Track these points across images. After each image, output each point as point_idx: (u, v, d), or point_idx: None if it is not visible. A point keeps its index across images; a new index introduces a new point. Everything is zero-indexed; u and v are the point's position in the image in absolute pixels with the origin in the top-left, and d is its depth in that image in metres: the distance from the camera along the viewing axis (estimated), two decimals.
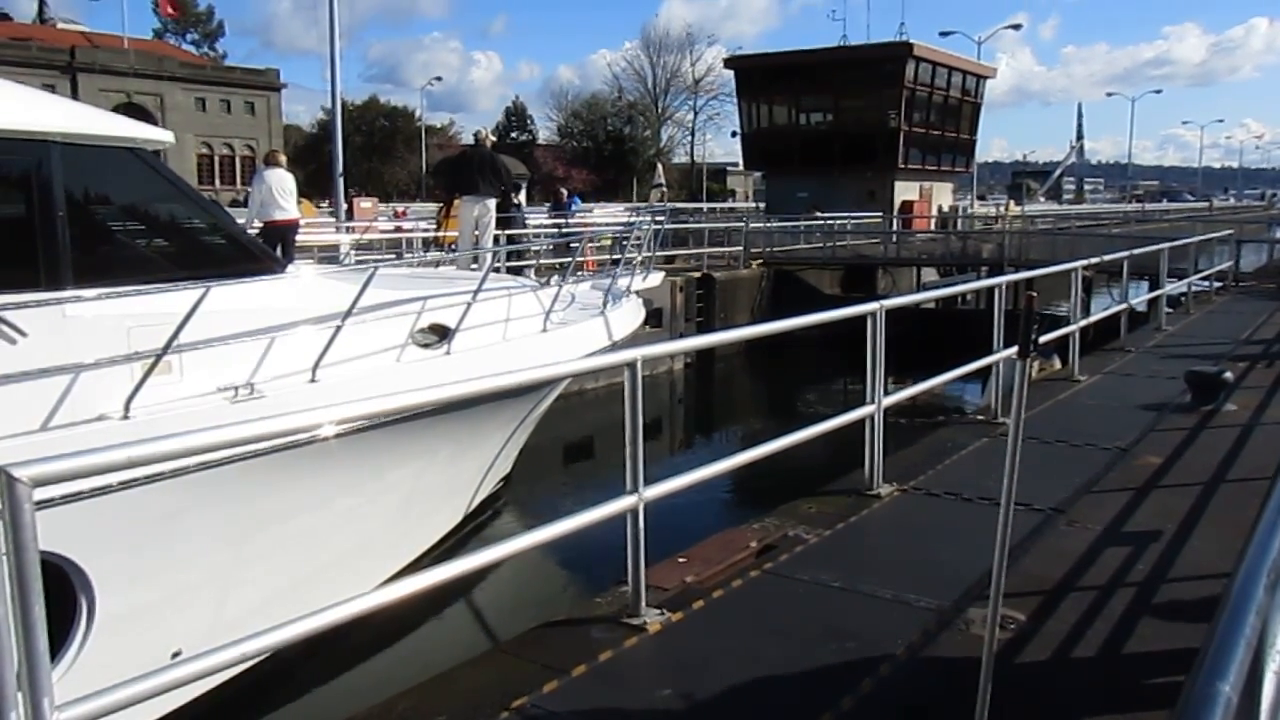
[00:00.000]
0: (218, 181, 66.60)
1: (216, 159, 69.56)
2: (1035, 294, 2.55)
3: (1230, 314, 15.81)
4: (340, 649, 6.29)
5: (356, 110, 75.07)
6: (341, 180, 20.89)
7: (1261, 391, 9.02)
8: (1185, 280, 16.47)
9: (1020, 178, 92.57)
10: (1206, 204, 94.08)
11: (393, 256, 19.07)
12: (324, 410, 3.12)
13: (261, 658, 2.86)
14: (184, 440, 2.58)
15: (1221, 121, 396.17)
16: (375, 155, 77.73)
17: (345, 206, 21.82)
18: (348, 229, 20.24)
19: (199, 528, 5.84)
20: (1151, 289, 15.97)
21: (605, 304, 9.88)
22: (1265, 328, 13.90)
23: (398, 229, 22.18)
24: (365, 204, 28.51)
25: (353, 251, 16.41)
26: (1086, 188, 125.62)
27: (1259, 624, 1.31)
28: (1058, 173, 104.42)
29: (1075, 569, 4.69)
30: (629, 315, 10.57)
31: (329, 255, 17.29)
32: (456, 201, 13.17)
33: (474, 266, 12.01)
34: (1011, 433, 2.45)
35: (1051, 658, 3.75)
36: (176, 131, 10.37)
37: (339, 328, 6.39)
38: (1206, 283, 18.40)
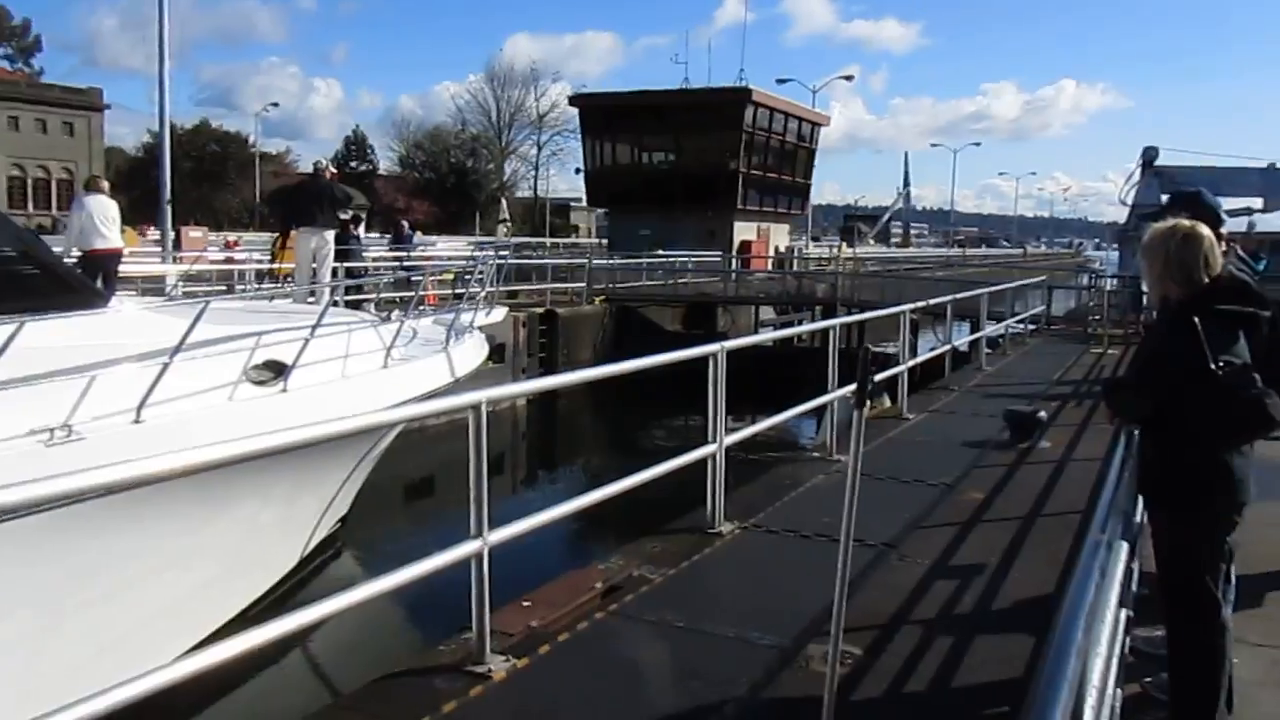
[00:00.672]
0: (30, 205, 62.82)
1: (30, 181, 65.58)
2: (870, 347, 2.65)
3: (1043, 355, 16.85)
4: (168, 707, 5.94)
5: (186, 134, 71.98)
6: (169, 208, 19.98)
7: (1072, 429, 9.62)
8: (1003, 323, 17.47)
9: (852, 221, 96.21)
10: (1021, 250, 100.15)
11: (224, 289, 18.37)
12: (142, 463, 2.94)
13: None
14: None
15: (1034, 174, 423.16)
16: (206, 182, 74.64)
17: (173, 235, 20.85)
18: (175, 259, 19.36)
19: (8, 581, 5.43)
20: (973, 330, 16.86)
21: (448, 340, 9.75)
22: (1075, 369, 14.86)
23: (229, 260, 21.34)
24: (194, 233, 27.29)
25: (180, 283, 15.69)
26: (913, 232, 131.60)
27: (1079, 666, 1.39)
28: (886, 217, 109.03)
29: (907, 603, 4.87)
30: (472, 351, 10.46)
31: (154, 287, 16.47)
32: (293, 233, 12.81)
33: (311, 300, 11.68)
34: (850, 477, 2.54)
35: (887, 692, 3.88)
36: None
37: (166, 364, 6.08)
38: (1022, 325, 19.55)
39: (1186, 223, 3.66)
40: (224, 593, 7.55)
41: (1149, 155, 24.19)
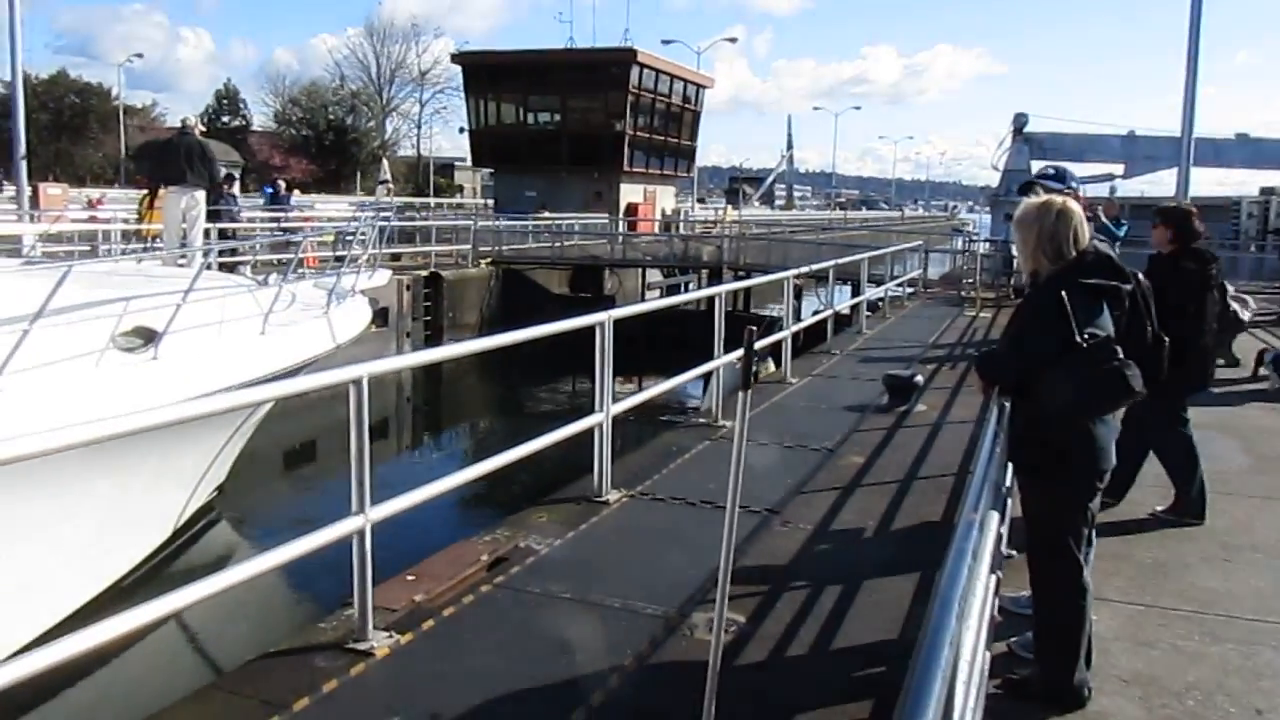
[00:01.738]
0: None
1: None
2: (754, 329, 2.67)
3: (920, 318, 17.34)
4: (41, 688, 5.70)
5: (43, 85, 67.99)
6: (25, 163, 18.88)
7: (947, 392, 9.93)
8: (882, 287, 17.92)
9: (737, 183, 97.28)
10: (900, 213, 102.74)
11: (87, 250, 17.52)
12: (9, 443, 2.79)
13: None
14: None
15: (912, 138, 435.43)
16: (65, 135, 70.78)
17: (29, 192, 19.73)
18: (33, 218, 18.35)
19: None
20: (854, 294, 17.26)
21: (329, 304, 9.51)
22: (949, 332, 15.35)
23: (93, 219, 20.33)
24: (54, 190, 25.89)
25: (39, 244, 14.89)
26: (796, 194, 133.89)
27: (952, 655, 1.44)
28: (770, 180, 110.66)
29: (789, 569, 4.98)
30: (354, 316, 10.24)
31: (10, 248, 15.60)
32: (162, 192, 12.27)
33: (182, 263, 11.24)
34: (735, 454, 2.56)
35: (769, 658, 3.96)
36: None
37: (26, 331, 5.78)
38: (900, 289, 20.08)
39: (1059, 199, 3.78)
40: (93, 565, 7.27)
41: (1019, 122, 24.99)
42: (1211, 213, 19.04)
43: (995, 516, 2.82)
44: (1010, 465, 3.70)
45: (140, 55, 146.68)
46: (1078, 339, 3.47)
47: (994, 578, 3.18)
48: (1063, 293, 3.51)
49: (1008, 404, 3.69)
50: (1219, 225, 29.08)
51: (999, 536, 3.25)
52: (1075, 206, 3.78)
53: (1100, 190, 23.58)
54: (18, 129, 18.32)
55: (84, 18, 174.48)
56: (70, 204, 25.68)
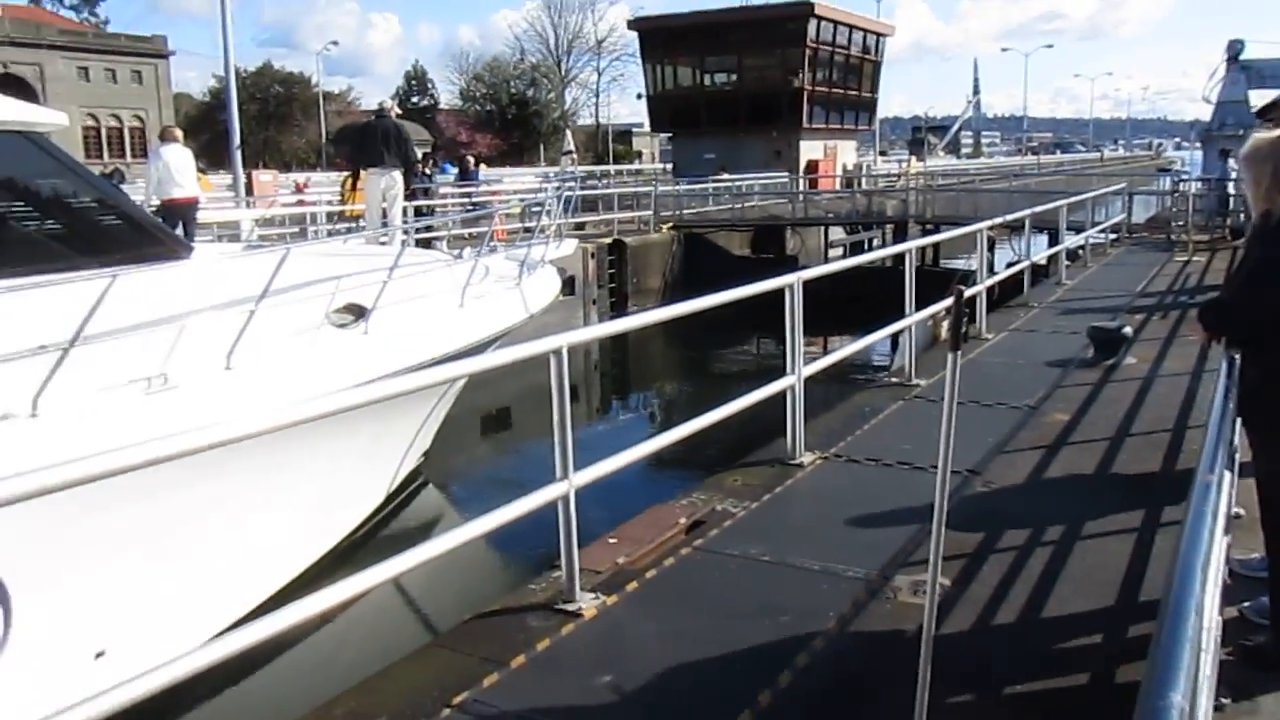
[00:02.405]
0: (106, 154, 63.94)
1: (104, 131, 66.73)
2: (964, 289, 2.59)
3: (1125, 266, 16.38)
4: (271, 652, 6.18)
5: (250, 77, 72.72)
6: (239, 153, 20.24)
7: (1159, 344, 9.38)
8: (1083, 234, 17.00)
9: (920, 133, 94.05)
10: (1098, 155, 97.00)
11: (296, 231, 18.65)
12: (241, 422, 3.02)
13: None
14: (107, 461, 2.49)
15: (1110, 74, 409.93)
16: (272, 124, 75.51)
17: (244, 180, 21.14)
18: (249, 204, 19.67)
19: (114, 527, 5.66)
20: (1051, 243, 16.44)
21: (521, 275, 9.79)
22: (1158, 280, 14.44)
23: (300, 202, 21.61)
24: (264, 177, 27.60)
25: (256, 228, 15.94)
26: (984, 141, 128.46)
27: (1198, 623, 1.37)
28: (956, 127, 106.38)
29: (993, 532, 4.83)
30: (545, 286, 10.50)
31: (230, 233, 16.79)
32: (362, 174, 12.90)
33: (383, 241, 11.80)
34: (945, 417, 2.50)
35: (978, 624, 3.87)
36: (59, 103, 9.91)
37: (252, 312, 6.22)
38: (1102, 235, 19.00)
39: None
40: (317, 531, 7.79)
41: (1234, 49, 23.05)
42: None
43: (1227, 475, 2.66)
44: (1240, 422, 3.46)
45: (336, 43, 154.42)
46: None
47: (1226, 539, 3.00)
48: None
49: (1237, 356, 3.45)
50: None
51: (1230, 499, 3.07)
52: None
53: None
54: (232, 121, 19.64)
55: (285, 10, 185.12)
56: (280, 189, 27.34)
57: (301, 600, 3.05)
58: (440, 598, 7.33)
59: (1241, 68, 22.85)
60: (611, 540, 4.85)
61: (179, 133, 13.45)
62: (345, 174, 17.86)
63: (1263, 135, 3.59)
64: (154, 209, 11.96)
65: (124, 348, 5.66)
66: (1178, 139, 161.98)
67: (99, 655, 5.64)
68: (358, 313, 7.41)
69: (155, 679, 2.58)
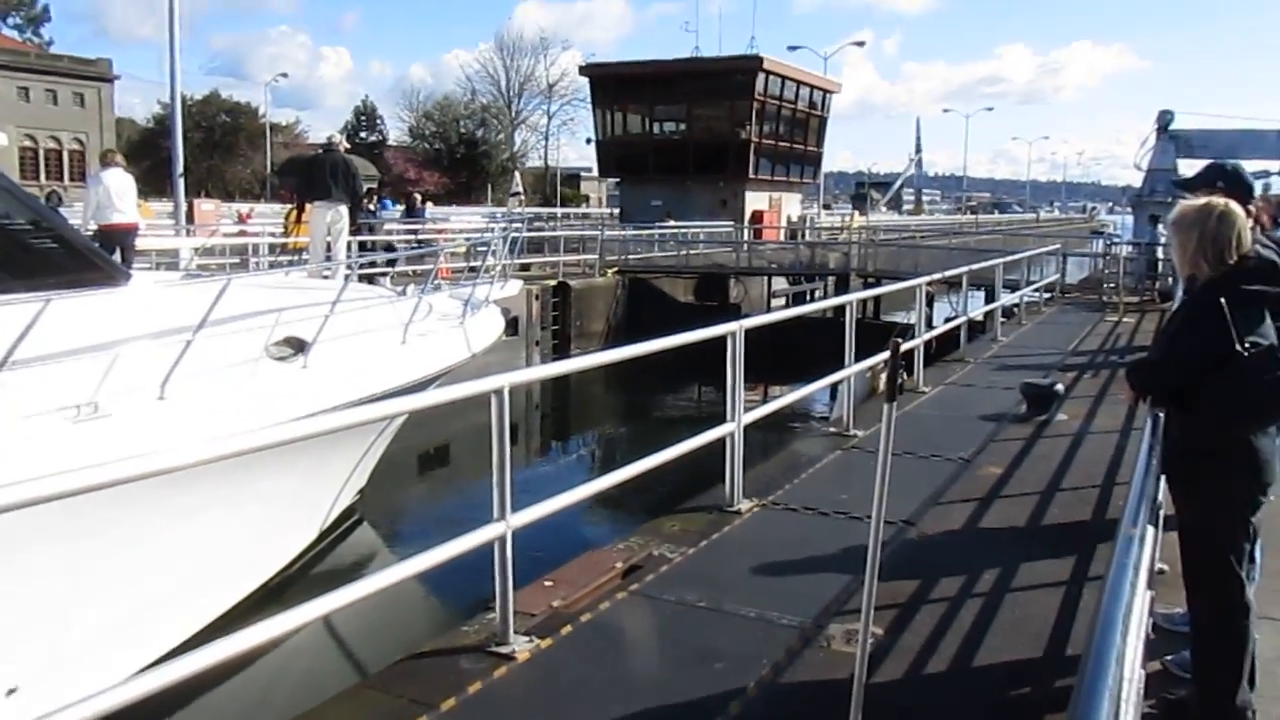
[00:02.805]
0: (43, 176, 62.71)
1: (42, 152, 65.46)
2: (901, 341, 2.64)
3: (1058, 324, 16.78)
4: (195, 689, 6.02)
5: (196, 105, 71.88)
6: (182, 180, 19.96)
7: (1089, 401, 9.60)
8: (1018, 293, 17.40)
9: (863, 188, 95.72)
10: (1034, 216, 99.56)
11: (237, 262, 18.42)
12: (173, 453, 2.97)
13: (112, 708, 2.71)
14: (25, 490, 2.42)
15: (1047, 138, 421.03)
16: (216, 153, 74.66)
17: (185, 208, 20.85)
18: (189, 232, 19.38)
19: (31, 559, 5.49)
20: (987, 300, 16.79)
21: (465, 314, 9.76)
22: (1090, 339, 14.81)
23: (242, 233, 21.34)
24: (206, 206, 27.28)
25: (195, 257, 15.72)
26: (925, 198, 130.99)
27: (1119, 673, 1.40)
28: (898, 184, 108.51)
29: (926, 582, 4.89)
30: (488, 325, 10.47)
31: (168, 261, 16.51)
32: (309, 207, 12.81)
33: (326, 275, 11.70)
34: (880, 469, 2.54)
35: (909, 673, 3.90)
36: None
37: (189, 342, 6.11)
38: (1037, 294, 19.46)
39: (1221, 201, 3.62)
40: (247, 567, 7.62)
41: (1165, 119, 23.88)
42: None
43: (1150, 530, 2.73)
44: (1164, 478, 3.56)
45: (285, 75, 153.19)
46: (1239, 348, 3.33)
47: (1149, 594, 3.07)
48: (1222, 300, 3.37)
49: (1162, 414, 3.55)
50: None
51: (1153, 554, 3.14)
52: (1238, 208, 3.61)
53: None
54: (176, 148, 19.38)
55: (235, 40, 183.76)
56: (222, 219, 27.00)
57: (229, 637, 2.99)
58: (371, 637, 7.20)
59: (1171, 137, 23.66)
60: (547, 583, 4.82)
61: (120, 158, 13.28)
62: (289, 205, 17.71)
63: (1189, 203, 3.73)
64: (91, 234, 11.75)
65: (54, 374, 5.52)
66: (1110, 203, 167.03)
67: (10, 692, 5.45)
68: (298, 346, 7.32)
69: (68, 717, 2.50)
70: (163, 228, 19.94)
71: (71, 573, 5.85)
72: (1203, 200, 3.68)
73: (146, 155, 60.35)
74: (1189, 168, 23.44)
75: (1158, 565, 4.04)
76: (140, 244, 14.18)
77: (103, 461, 2.71)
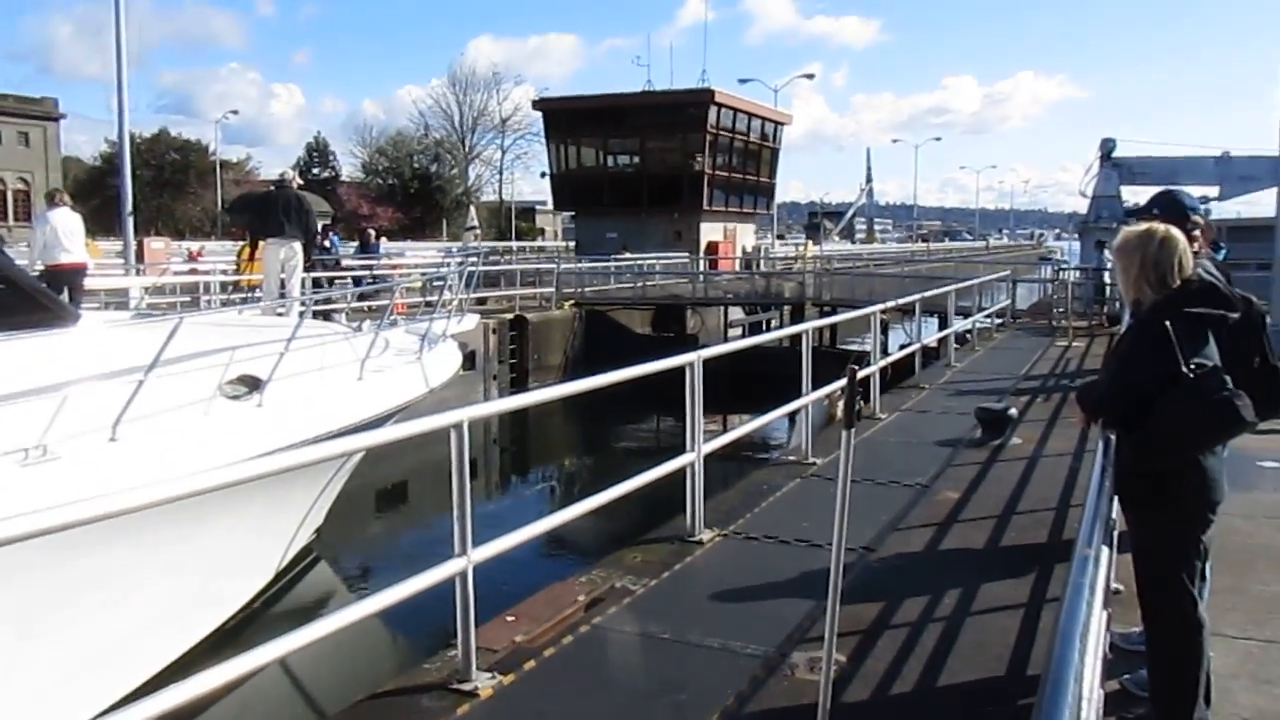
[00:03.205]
0: None
1: None
2: (856, 369, 2.68)
3: (1010, 350, 17.02)
4: None
5: (145, 143, 71.23)
6: (131, 219, 19.73)
7: (1042, 425, 9.73)
8: (970, 319, 17.64)
9: (817, 218, 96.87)
10: (984, 243, 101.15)
11: (188, 300, 18.19)
12: (125, 495, 2.92)
13: None
14: None
15: (995, 167, 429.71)
16: (166, 190, 73.92)
17: (135, 247, 20.59)
18: (138, 271, 19.14)
19: None
20: (940, 326, 17.02)
21: (421, 349, 9.72)
22: (1041, 363, 15.03)
23: (193, 271, 21.10)
24: (156, 244, 26.84)
25: (145, 296, 15.52)
26: (877, 227, 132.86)
27: (1078, 692, 1.43)
28: (850, 214, 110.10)
29: (888, 608, 4.91)
30: (445, 360, 10.43)
31: (118, 300, 16.29)
32: (261, 244, 12.71)
33: (280, 312, 11.60)
34: (840, 496, 2.56)
35: (874, 698, 3.91)
36: None
37: (141, 382, 6.02)
38: (988, 320, 19.74)
39: (1161, 227, 3.71)
40: (200, 609, 7.49)
41: (1107, 147, 24.45)
42: None
43: (1105, 550, 2.77)
44: (1117, 499, 3.62)
45: (236, 112, 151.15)
46: (1184, 369, 3.40)
47: (1106, 613, 3.12)
48: (1167, 322, 3.44)
49: (1113, 436, 3.62)
50: None
51: (1108, 573, 3.19)
52: (1178, 234, 3.70)
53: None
54: (124, 186, 19.19)
55: (184, 78, 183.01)
56: (173, 257, 26.68)
57: (184, 681, 2.93)
58: (331, 677, 7.09)
59: (1114, 165, 24.22)
60: (509, 618, 4.79)
61: (67, 197, 13.11)
62: (242, 243, 17.56)
63: (1132, 229, 3.82)
64: (39, 274, 11.58)
65: (2, 416, 5.42)
66: (1057, 230, 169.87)
67: None
68: (252, 384, 7.24)
69: None
70: (112, 267, 19.68)
71: (18, 619, 5.71)
72: (1144, 226, 3.77)
73: (94, 194, 59.64)
74: (1132, 194, 24.03)
75: (1113, 585, 4.10)
76: (89, 284, 13.99)
77: (52, 505, 2.65)
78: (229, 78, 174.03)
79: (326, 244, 20.97)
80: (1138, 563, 3.70)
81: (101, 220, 42.53)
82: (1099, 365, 13.70)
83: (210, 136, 79.05)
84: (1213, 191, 24.39)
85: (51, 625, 5.96)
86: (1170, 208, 4.19)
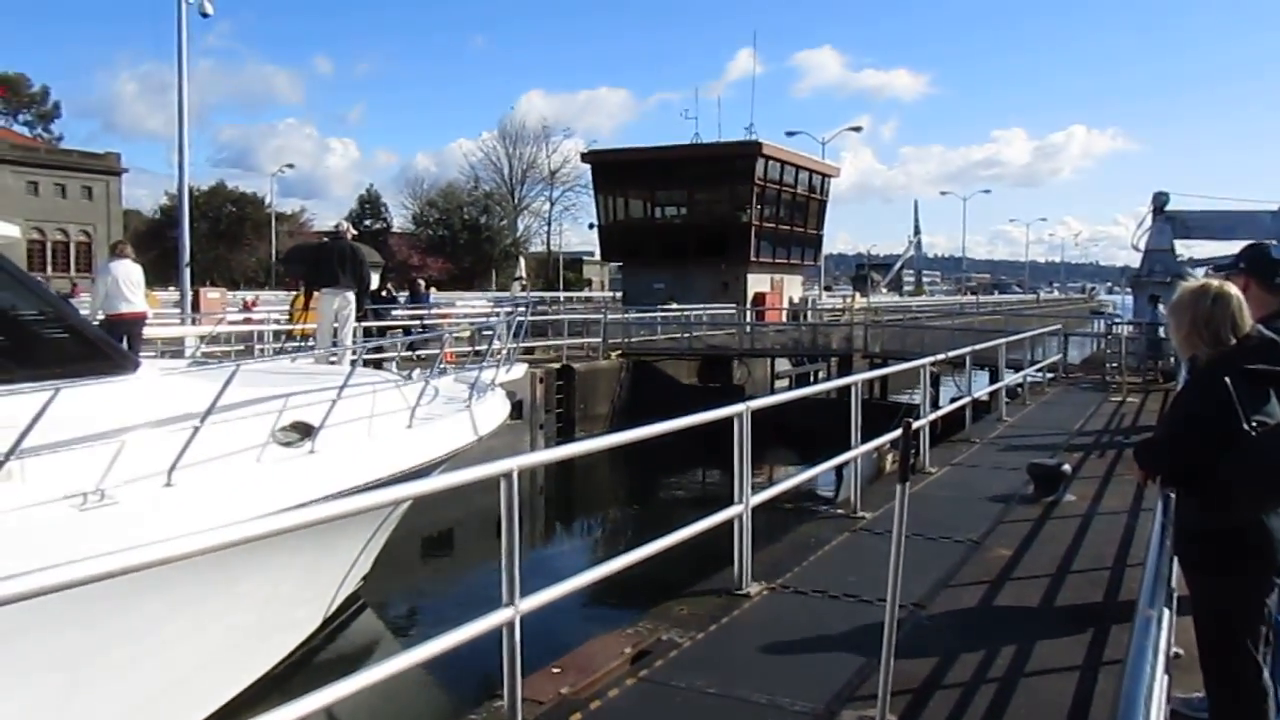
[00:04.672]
0: (49, 268, 63.46)
1: (49, 245, 66.32)
2: (913, 422, 2.66)
3: (1063, 405, 16.77)
4: None
5: (203, 195, 73.11)
6: (188, 270, 20.20)
7: (1097, 482, 9.55)
8: (1021, 372, 17.43)
9: (864, 270, 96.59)
10: (1034, 296, 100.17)
11: (243, 349, 18.52)
12: (178, 542, 2.96)
13: None
14: (30, 581, 2.41)
15: (1045, 220, 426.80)
16: (222, 242, 75.64)
17: (191, 297, 21.06)
18: (195, 320, 19.53)
19: (32, 650, 5.43)
20: (991, 379, 16.82)
21: (471, 398, 9.79)
22: (1095, 419, 14.79)
23: (248, 320, 21.50)
24: (213, 294, 27.47)
25: (201, 345, 15.82)
26: (925, 280, 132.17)
27: None
28: (898, 265, 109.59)
29: (939, 667, 4.82)
30: (494, 409, 10.49)
31: (174, 349, 16.62)
32: (316, 294, 12.94)
33: (332, 360, 11.76)
34: (894, 551, 2.53)
35: None
36: (3, 216, 9.85)
37: (197, 429, 6.13)
38: (1040, 374, 19.49)
39: (1216, 282, 3.68)
40: (250, 655, 7.53)
41: (1160, 200, 24.20)
42: None
43: (1166, 612, 2.71)
44: (1177, 559, 3.54)
45: (291, 165, 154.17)
46: (1245, 426, 3.34)
47: (1166, 678, 3.03)
48: (1226, 379, 3.39)
49: (1173, 494, 3.55)
50: None
51: (1170, 634, 3.11)
52: (1233, 289, 3.66)
53: None
54: (183, 239, 19.70)
55: (243, 133, 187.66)
56: (228, 307, 27.22)
57: None
58: None
59: (1167, 218, 23.96)
60: (555, 669, 4.77)
61: (129, 249, 13.45)
62: (296, 292, 17.88)
63: (1187, 284, 3.78)
64: (99, 323, 11.87)
65: (62, 462, 5.54)
66: (1109, 283, 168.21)
67: None
68: (305, 431, 7.33)
69: None
70: (168, 316, 20.13)
71: (73, 664, 5.79)
72: (1199, 282, 3.73)
73: (153, 245, 61.06)
74: (1186, 248, 23.73)
75: (1173, 649, 3.99)
76: (146, 332, 14.29)
77: (108, 551, 2.70)
78: (286, 133, 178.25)
79: (384, 294, 21.31)
80: (1199, 627, 3.61)
81: (159, 271, 43.50)
82: (1154, 421, 13.47)
83: (266, 189, 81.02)
84: (1272, 245, 24.00)
85: (100, 669, 6.03)
86: (1255, 260, 4.13)
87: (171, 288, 25.23)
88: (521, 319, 13.87)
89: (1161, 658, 2.33)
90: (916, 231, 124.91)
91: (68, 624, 5.40)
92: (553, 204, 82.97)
